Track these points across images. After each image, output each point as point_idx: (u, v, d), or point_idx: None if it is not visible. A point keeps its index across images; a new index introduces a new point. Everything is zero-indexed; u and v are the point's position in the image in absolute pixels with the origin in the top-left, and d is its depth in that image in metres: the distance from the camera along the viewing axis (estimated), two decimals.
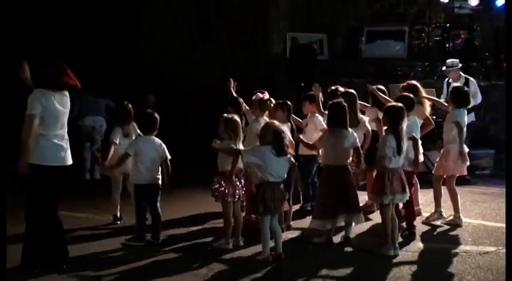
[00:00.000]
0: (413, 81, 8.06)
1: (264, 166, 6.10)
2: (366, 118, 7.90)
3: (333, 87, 8.28)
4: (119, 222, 7.74)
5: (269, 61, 13.26)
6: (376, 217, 7.45)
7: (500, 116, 11.73)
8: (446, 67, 10.45)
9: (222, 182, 6.52)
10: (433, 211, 7.75)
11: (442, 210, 7.69)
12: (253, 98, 7.67)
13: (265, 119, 7.34)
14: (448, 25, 13.00)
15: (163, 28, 14.70)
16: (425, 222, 7.62)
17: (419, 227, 7.42)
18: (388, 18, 13.57)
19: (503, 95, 11.28)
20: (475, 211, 8.39)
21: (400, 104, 6.54)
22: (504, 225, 7.16)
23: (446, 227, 7.46)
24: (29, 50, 11.91)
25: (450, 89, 9.83)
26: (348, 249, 6.58)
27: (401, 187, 6.34)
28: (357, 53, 13.53)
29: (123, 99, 8.20)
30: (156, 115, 7.00)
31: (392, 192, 6.26)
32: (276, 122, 6.43)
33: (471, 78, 10.54)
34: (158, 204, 6.92)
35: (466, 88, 8.12)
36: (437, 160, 7.85)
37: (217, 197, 6.59)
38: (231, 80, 8.09)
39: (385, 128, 6.60)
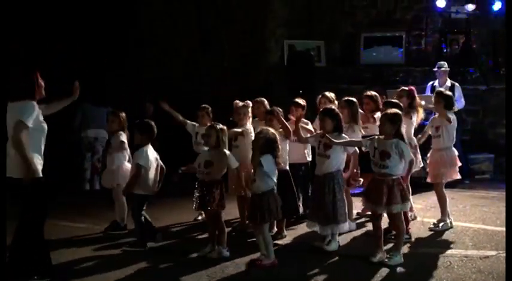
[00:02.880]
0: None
1: (274, 173, 6.21)
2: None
3: (320, 95, 8.32)
4: (127, 230, 7.73)
5: (267, 69, 13.29)
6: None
7: (499, 120, 11.74)
8: (438, 68, 10.57)
9: (216, 191, 6.51)
10: (439, 218, 7.69)
11: (451, 219, 7.67)
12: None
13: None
14: (445, 30, 13.03)
15: (163, 28, 14.77)
16: (433, 229, 7.58)
17: (420, 233, 7.42)
18: (385, 24, 13.61)
19: (501, 99, 11.33)
20: (476, 215, 8.39)
21: (396, 110, 6.54)
22: (504, 229, 7.17)
23: (447, 231, 7.44)
24: (29, 50, 12.02)
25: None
26: (348, 255, 6.57)
27: (400, 196, 6.23)
28: (355, 59, 13.56)
29: (122, 105, 8.23)
30: (153, 124, 7.08)
31: (388, 203, 6.19)
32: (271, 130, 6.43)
33: (456, 84, 10.63)
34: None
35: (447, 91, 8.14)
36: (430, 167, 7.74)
37: (213, 207, 6.52)
38: None
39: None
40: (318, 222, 6.69)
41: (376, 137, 6.45)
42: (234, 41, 13.74)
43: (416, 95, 8.03)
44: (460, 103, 10.38)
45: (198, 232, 7.62)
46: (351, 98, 7.70)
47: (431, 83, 10.74)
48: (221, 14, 13.94)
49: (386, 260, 6.19)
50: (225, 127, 6.69)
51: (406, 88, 8.11)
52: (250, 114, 7.68)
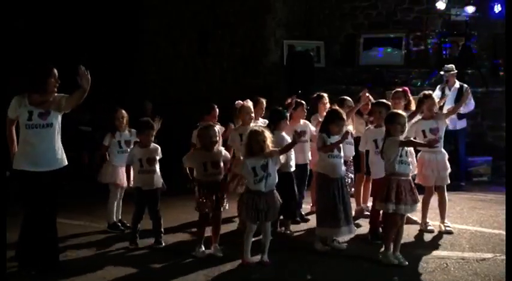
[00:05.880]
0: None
1: None
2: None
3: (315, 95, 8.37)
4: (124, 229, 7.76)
5: (267, 69, 13.29)
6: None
7: (497, 123, 11.75)
8: (445, 71, 10.53)
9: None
10: (441, 220, 7.69)
11: (446, 221, 7.67)
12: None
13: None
14: (445, 32, 13.03)
15: (164, 29, 14.83)
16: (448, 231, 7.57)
17: (417, 234, 7.43)
18: (385, 26, 13.61)
19: (500, 102, 11.34)
20: (473, 217, 8.39)
21: (400, 111, 6.56)
22: (502, 232, 7.20)
23: (444, 234, 7.44)
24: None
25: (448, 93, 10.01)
26: (348, 256, 6.58)
27: (411, 197, 6.25)
28: (354, 60, 13.55)
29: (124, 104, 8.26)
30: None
31: (398, 201, 6.17)
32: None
33: (465, 85, 10.61)
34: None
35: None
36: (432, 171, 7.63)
37: (224, 206, 6.64)
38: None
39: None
40: (338, 225, 6.63)
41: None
42: (234, 41, 13.74)
43: (411, 96, 8.07)
44: (470, 105, 10.42)
45: (196, 232, 7.61)
46: (343, 97, 7.90)
47: (440, 85, 10.69)
48: (221, 14, 13.94)
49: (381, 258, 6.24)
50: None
51: (400, 89, 8.13)
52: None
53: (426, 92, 7.85)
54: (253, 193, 6.18)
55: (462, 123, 10.61)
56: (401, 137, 6.31)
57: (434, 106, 7.65)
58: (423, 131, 7.55)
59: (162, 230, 7.10)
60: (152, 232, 7.10)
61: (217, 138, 6.61)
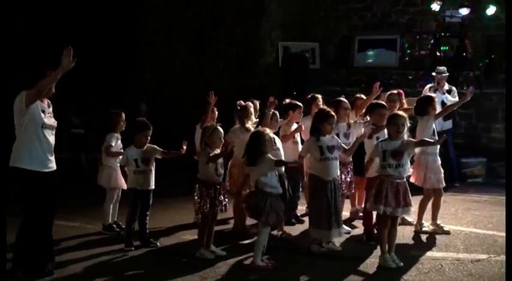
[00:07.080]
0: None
1: None
2: None
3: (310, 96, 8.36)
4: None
5: (262, 70, 13.32)
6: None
7: (492, 125, 11.79)
8: (438, 73, 10.55)
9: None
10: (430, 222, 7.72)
11: (438, 222, 7.68)
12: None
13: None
14: (439, 34, 13.08)
15: (160, 30, 14.87)
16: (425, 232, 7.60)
17: (412, 236, 7.45)
18: (380, 27, 13.66)
19: (494, 104, 11.41)
20: (467, 218, 8.41)
21: (402, 113, 6.58)
22: (496, 233, 7.25)
23: (438, 235, 7.46)
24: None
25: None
26: (344, 258, 6.59)
27: (399, 200, 6.19)
28: (349, 61, 13.58)
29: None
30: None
31: (386, 203, 6.15)
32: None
33: (454, 87, 10.68)
34: None
35: None
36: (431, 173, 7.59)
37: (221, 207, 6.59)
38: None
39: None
40: (330, 227, 6.63)
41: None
42: (229, 42, 13.76)
43: (404, 99, 8.10)
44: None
45: (192, 233, 7.61)
46: (339, 98, 7.88)
47: (429, 85, 10.71)
48: (216, 16, 13.96)
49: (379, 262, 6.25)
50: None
51: (395, 92, 8.15)
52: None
53: (432, 94, 7.94)
54: (275, 195, 6.18)
55: (448, 125, 10.68)
56: (405, 136, 6.32)
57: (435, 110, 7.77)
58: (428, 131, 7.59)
59: (147, 232, 7.07)
60: (138, 235, 7.04)
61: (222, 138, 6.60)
